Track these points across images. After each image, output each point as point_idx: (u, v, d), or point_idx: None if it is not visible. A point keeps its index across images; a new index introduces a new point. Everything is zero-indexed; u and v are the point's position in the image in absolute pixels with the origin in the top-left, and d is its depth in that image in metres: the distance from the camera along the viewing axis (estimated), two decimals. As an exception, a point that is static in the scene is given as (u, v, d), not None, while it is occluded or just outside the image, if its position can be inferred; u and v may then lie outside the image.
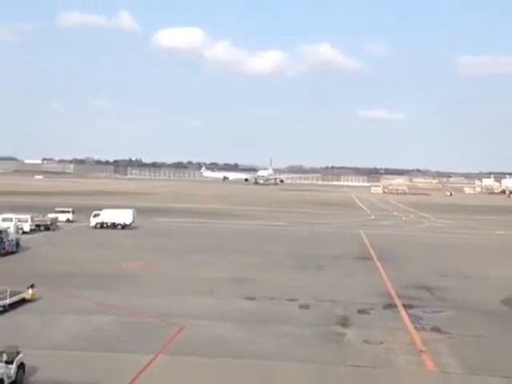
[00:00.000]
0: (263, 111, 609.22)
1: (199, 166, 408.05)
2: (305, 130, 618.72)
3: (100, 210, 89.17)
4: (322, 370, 28.38)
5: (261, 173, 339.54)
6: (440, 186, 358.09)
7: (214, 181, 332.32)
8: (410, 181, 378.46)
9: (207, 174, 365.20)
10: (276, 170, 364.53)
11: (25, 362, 25.68)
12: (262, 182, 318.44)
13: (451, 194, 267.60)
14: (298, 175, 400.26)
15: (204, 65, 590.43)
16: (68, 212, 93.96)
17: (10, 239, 60.76)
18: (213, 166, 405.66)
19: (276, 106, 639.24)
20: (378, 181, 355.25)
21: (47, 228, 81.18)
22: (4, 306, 36.94)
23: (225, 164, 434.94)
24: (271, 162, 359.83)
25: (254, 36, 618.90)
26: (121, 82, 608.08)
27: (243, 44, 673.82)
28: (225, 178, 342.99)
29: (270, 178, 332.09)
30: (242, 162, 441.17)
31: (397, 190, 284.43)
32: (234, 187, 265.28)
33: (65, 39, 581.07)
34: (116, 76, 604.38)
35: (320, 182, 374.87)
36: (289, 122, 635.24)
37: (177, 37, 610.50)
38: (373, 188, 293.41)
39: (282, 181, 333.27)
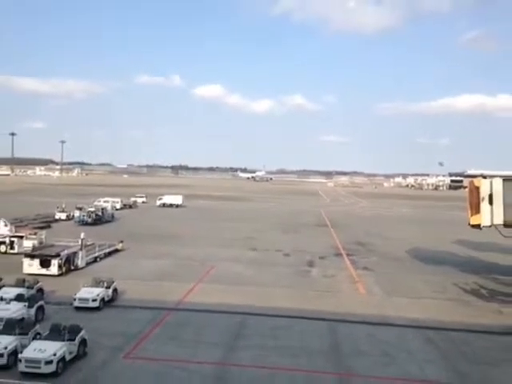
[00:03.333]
0: (261, 135, 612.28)
1: (234, 169, 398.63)
2: (286, 147, 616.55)
3: (162, 195, 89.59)
4: (298, 293, 28.49)
5: (257, 173, 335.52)
6: (369, 182, 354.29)
7: (242, 178, 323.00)
8: (351, 178, 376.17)
9: (241, 174, 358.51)
10: (268, 172, 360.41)
11: (118, 287, 25.87)
12: (258, 179, 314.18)
13: (376, 187, 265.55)
14: (281, 175, 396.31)
15: (224, 107, 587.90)
16: (143, 197, 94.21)
17: (108, 213, 61.49)
18: (234, 169, 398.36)
19: (268, 132, 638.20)
20: (332, 179, 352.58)
21: (130, 206, 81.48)
22: (105, 254, 37.28)
23: (238, 168, 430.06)
24: (264, 166, 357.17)
25: (254, 90, 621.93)
26: (174, 118, 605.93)
27: (248, 95, 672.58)
28: (252, 177, 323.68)
29: (264, 176, 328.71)
30: (248, 166, 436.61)
31: (342, 184, 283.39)
32: (240, 183, 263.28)
33: (138, 92, 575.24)
34: (171, 115, 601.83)
35: (296, 180, 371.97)
36: (276, 142, 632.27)
37: (207, 90, 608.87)
38: (328, 184, 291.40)
39: (271, 179, 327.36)
